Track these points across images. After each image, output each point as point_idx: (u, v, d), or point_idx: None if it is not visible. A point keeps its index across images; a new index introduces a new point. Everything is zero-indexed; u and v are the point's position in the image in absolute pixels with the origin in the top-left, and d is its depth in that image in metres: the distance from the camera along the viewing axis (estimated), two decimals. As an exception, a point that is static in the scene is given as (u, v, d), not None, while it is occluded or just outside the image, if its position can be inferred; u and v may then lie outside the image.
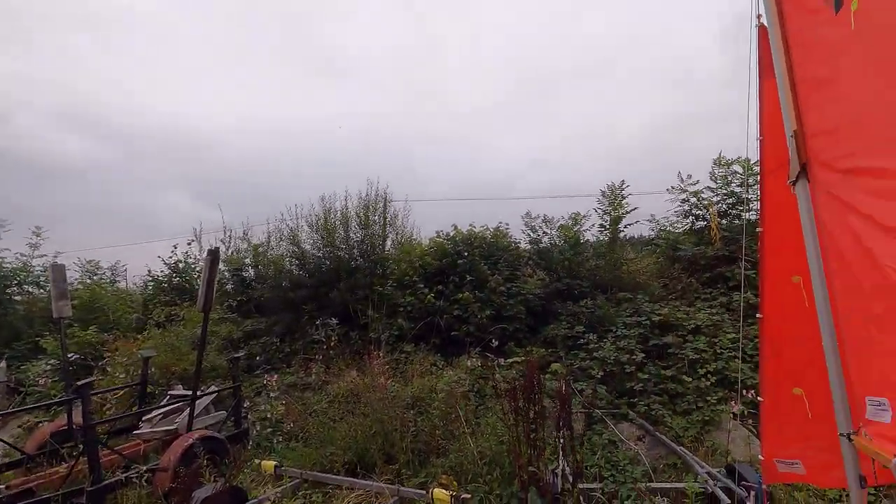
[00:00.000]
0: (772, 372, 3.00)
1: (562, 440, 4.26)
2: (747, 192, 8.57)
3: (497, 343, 6.50)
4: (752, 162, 8.57)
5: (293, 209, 9.39)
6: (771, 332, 3.02)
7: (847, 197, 1.90)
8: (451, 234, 8.23)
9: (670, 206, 9.20)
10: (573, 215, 8.57)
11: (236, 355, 6.08)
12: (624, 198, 8.42)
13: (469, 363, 6.12)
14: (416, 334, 7.26)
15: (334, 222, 9.04)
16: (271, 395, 6.25)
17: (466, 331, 7.08)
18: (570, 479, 3.89)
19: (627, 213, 8.36)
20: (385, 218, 9.50)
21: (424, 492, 4.09)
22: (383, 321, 7.71)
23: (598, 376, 5.82)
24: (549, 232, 8.42)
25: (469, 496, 3.93)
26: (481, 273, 7.35)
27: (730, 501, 3.85)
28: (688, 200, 9.04)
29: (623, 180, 8.33)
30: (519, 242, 8.44)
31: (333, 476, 4.57)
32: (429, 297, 7.28)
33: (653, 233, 9.39)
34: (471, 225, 8.37)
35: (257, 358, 7.56)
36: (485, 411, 5.39)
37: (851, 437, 1.81)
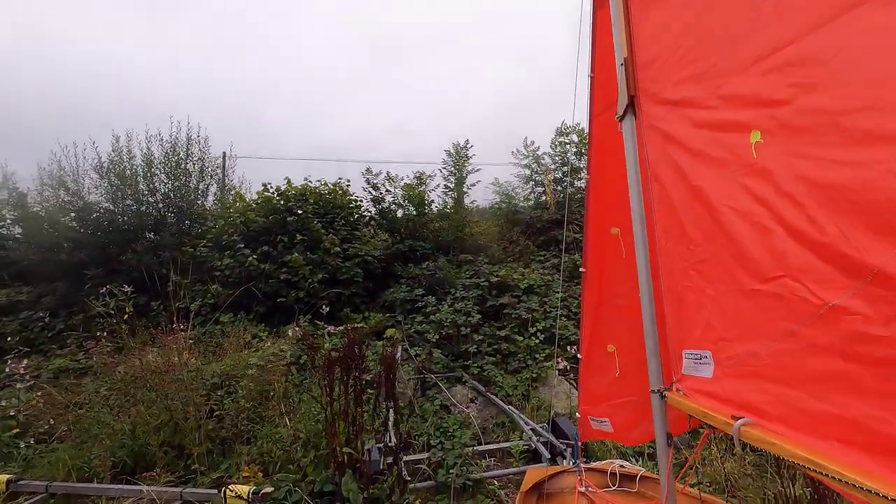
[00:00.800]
0: (589, 328, 2.88)
1: (388, 411, 3.85)
2: (579, 160, 9.07)
3: (328, 309, 5.83)
4: (586, 132, 9.09)
5: (73, 150, 7.38)
6: (590, 287, 2.89)
7: (673, 131, 1.61)
8: (283, 188, 7.20)
9: (513, 170, 9.39)
10: (418, 175, 8.16)
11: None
12: (468, 158, 8.25)
13: (293, 333, 5.37)
14: (236, 302, 6.21)
15: (131, 169, 7.33)
16: (18, 385, 4.77)
17: (296, 297, 6.27)
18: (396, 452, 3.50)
19: (471, 172, 8.23)
20: (202, 168, 8.02)
21: (216, 491, 3.34)
22: (195, 288, 6.48)
23: (434, 340, 5.55)
24: (392, 191, 7.90)
25: (271, 489, 3.29)
26: (315, 232, 6.53)
27: (549, 456, 3.85)
28: (529, 167, 9.29)
29: (468, 140, 8.14)
30: (361, 200, 7.76)
31: (92, 485, 3.54)
32: (251, 258, 6.26)
33: (497, 197, 9.51)
34: (306, 179, 7.43)
35: (8, 339, 5.78)
36: (309, 387, 4.75)
37: (664, 393, 1.60)
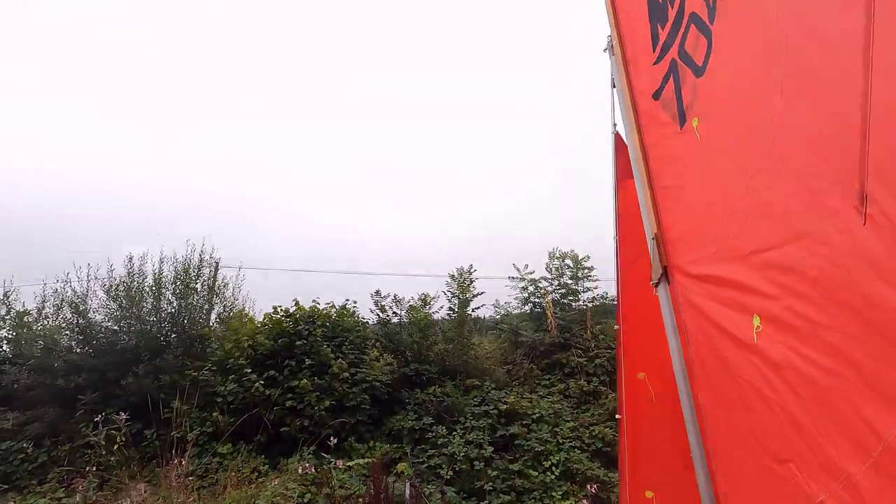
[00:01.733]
0: (629, 474, 2.91)
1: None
2: (576, 284, 9.48)
3: (336, 440, 5.62)
4: (579, 257, 9.63)
5: (83, 269, 7.49)
6: (626, 433, 2.97)
7: (700, 303, 1.87)
8: (293, 310, 7.30)
9: (511, 291, 9.69)
10: (422, 296, 8.39)
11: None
12: (472, 282, 8.58)
13: (300, 468, 5.12)
14: (236, 431, 5.96)
15: (141, 289, 7.41)
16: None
17: (300, 425, 6.06)
18: None
19: (475, 296, 8.49)
20: (212, 287, 8.15)
21: None
22: (194, 415, 6.24)
23: (448, 476, 5.33)
24: (399, 312, 8.05)
25: None
26: (324, 357, 6.51)
27: None
28: (526, 289, 9.63)
29: (472, 265, 8.53)
30: (367, 322, 7.86)
31: None
32: (257, 384, 6.14)
33: (497, 316, 9.69)
34: (314, 301, 7.57)
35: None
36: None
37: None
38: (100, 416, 5.96)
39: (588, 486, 5.09)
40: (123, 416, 6.02)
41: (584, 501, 4.85)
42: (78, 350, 6.96)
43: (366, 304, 8.28)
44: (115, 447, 5.71)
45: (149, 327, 7.24)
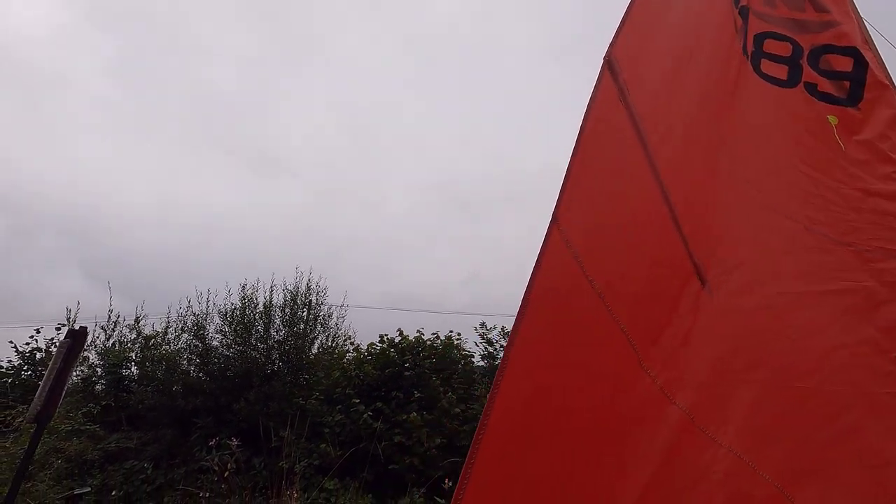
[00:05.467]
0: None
1: None
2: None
3: (450, 484, 5.08)
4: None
5: (203, 296, 7.80)
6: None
7: None
8: (397, 339, 7.04)
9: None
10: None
11: (79, 490, 4.15)
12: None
13: (416, 511, 4.62)
14: (343, 465, 5.64)
15: (253, 316, 7.55)
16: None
17: (409, 464, 5.60)
18: None
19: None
20: (316, 316, 8.15)
21: None
22: (301, 445, 6.02)
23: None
24: (504, 345, 7.50)
25: None
26: (433, 389, 6.10)
27: None
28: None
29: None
30: (472, 355, 7.39)
31: None
32: (365, 415, 5.83)
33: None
34: (418, 331, 7.26)
35: (112, 493, 5.42)
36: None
37: None
38: (213, 440, 5.95)
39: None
40: (235, 441, 5.97)
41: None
42: (196, 374, 7.13)
43: (467, 336, 7.86)
44: (226, 474, 5.62)
45: (257, 354, 7.31)
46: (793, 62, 1.80)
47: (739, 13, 1.85)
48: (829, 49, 1.79)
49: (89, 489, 4.74)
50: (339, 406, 6.19)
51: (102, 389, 7.56)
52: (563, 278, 1.41)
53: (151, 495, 5.78)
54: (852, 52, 1.76)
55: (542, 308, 1.39)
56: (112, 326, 8.46)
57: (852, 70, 1.73)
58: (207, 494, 5.46)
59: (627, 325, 1.38)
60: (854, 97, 1.70)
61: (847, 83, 1.73)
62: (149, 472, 5.94)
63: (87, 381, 7.37)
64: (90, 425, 6.68)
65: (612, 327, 1.37)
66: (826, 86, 1.75)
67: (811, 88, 1.74)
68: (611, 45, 1.64)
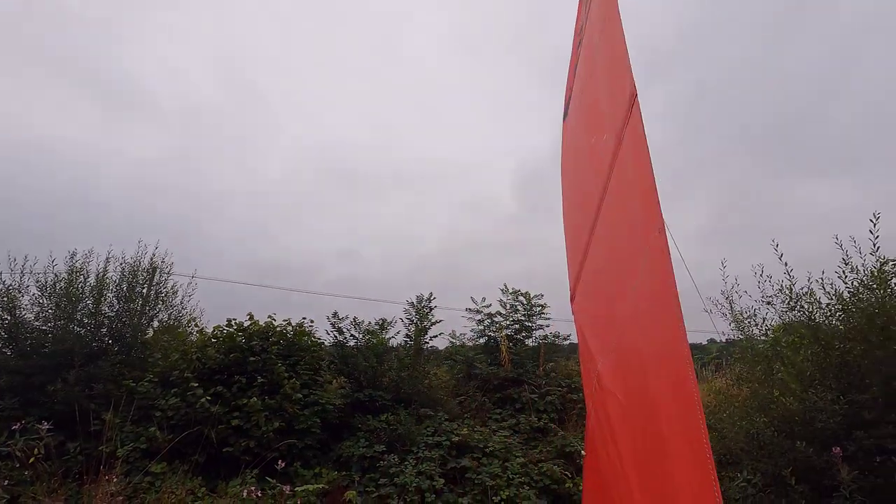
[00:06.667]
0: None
1: None
2: (528, 320, 9.74)
3: (283, 464, 5.40)
4: (531, 295, 9.93)
5: (17, 262, 6.89)
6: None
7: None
8: (247, 324, 7.04)
9: (466, 322, 9.81)
10: (380, 321, 8.34)
11: None
12: (431, 309, 8.62)
13: (245, 492, 4.86)
14: (174, 449, 5.60)
15: (81, 288, 6.90)
16: None
17: (245, 447, 5.77)
18: None
19: (433, 324, 8.51)
20: (158, 292, 7.70)
21: None
22: (128, 429, 5.80)
23: (398, 507, 5.23)
24: (356, 336, 7.93)
25: None
26: (277, 375, 6.29)
27: None
28: (482, 322, 9.79)
29: (431, 292, 8.59)
30: (323, 342, 7.67)
31: None
32: (202, 400, 5.83)
33: (452, 347, 9.74)
34: (270, 316, 7.34)
35: None
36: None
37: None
38: (18, 424, 5.42)
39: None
40: (45, 426, 5.52)
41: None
42: (2, 351, 6.34)
43: (321, 324, 8.11)
44: (31, 460, 5.20)
45: (84, 331, 6.73)
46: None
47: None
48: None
49: None
50: (176, 389, 6.06)
51: None
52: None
53: (-70, 486, 5.10)
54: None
55: None
56: None
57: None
58: (6, 483, 5.03)
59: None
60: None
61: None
62: (-73, 461, 5.22)
63: None
64: None
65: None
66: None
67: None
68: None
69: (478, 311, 9.85)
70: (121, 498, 4.78)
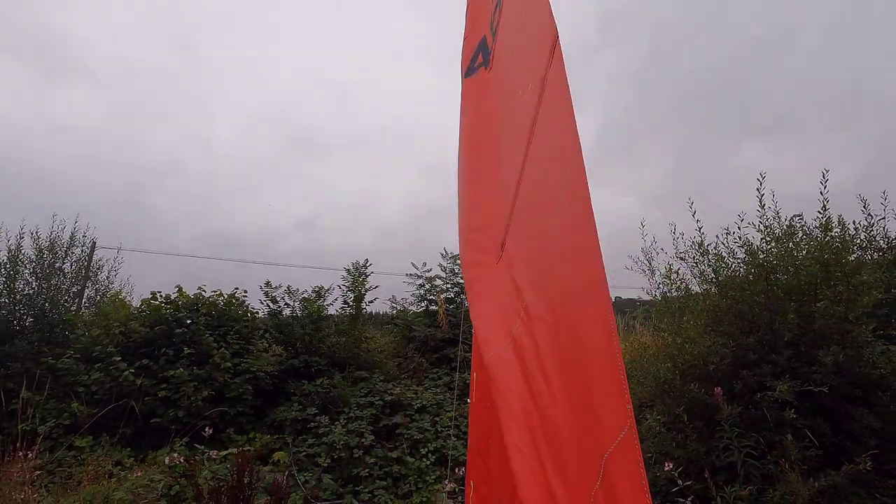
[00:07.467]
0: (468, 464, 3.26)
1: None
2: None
3: (212, 431, 5.49)
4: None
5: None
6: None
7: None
8: (174, 296, 6.95)
9: (409, 287, 10.00)
10: (316, 289, 8.39)
11: None
12: (367, 276, 8.72)
13: (168, 459, 4.94)
14: (98, 423, 5.58)
15: (-8, 266, 6.61)
16: None
17: (174, 416, 5.82)
18: None
19: (369, 289, 8.64)
20: (79, 270, 7.47)
21: None
22: (48, 406, 5.73)
23: (326, 464, 5.45)
24: (291, 304, 7.97)
25: None
26: (205, 346, 6.30)
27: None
28: (423, 286, 9.99)
29: (367, 259, 8.68)
30: (257, 312, 7.69)
31: None
32: (126, 373, 5.79)
33: (393, 311, 9.93)
34: (200, 288, 7.26)
35: None
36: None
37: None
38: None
39: (457, 470, 5.50)
40: (-43, 406, 5.39)
41: (449, 482, 5.24)
42: None
43: (260, 294, 8.09)
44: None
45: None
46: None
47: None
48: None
49: None
50: (99, 364, 5.99)
51: None
52: None
53: None
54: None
55: None
56: None
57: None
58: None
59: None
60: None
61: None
62: None
63: None
64: None
65: None
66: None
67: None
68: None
69: (419, 276, 10.03)
70: (39, 472, 4.77)
